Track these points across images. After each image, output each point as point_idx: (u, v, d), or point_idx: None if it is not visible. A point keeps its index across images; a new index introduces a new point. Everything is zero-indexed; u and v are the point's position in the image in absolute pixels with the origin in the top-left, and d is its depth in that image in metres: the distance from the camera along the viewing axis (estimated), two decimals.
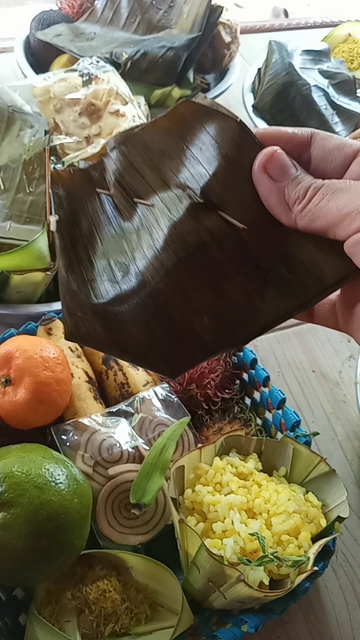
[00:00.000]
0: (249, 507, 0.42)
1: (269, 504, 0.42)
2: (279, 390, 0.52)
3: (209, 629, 0.42)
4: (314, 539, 0.43)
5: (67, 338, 0.28)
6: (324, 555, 0.43)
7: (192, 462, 0.46)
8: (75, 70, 0.75)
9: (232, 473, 0.45)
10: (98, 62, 0.75)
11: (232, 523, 0.40)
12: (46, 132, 0.67)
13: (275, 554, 0.39)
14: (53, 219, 0.30)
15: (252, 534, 0.39)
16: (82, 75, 0.74)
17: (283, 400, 0.52)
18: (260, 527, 0.40)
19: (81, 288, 0.29)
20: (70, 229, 0.30)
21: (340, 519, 0.43)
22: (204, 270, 0.27)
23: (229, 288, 0.27)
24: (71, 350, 0.55)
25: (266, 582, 0.39)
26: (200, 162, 0.28)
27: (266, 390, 0.54)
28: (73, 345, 0.55)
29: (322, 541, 0.41)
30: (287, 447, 0.47)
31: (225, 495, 0.43)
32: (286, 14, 2.04)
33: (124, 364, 0.55)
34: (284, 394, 0.52)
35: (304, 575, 0.39)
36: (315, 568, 0.40)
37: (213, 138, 0.28)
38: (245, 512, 0.42)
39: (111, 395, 0.55)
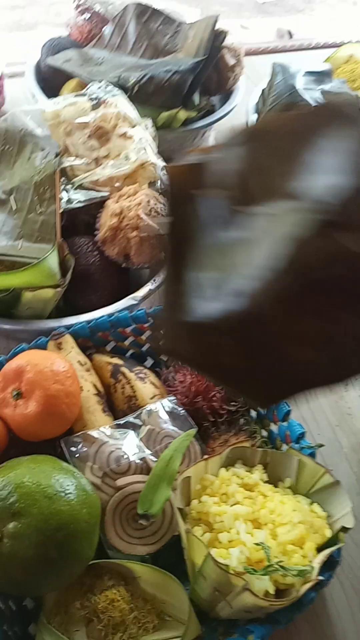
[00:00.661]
0: (254, 518, 0.43)
1: (274, 515, 0.43)
2: (285, 402, 0.53)
3: (216, 639, 0.43)
4: (319, 549, 0.43)
5: (157, 351, 0.26)
6: (329, 566, 0.44)
7: (198, 473, 0.47)
8: (84, 94, 0.78)
9: (237, 484, 0.46)
10: (107, 86, 0.78)
11: (238, 533, 0.41)
12: (57, 155, 0.69)
13: (280, 564, 0.40)
14: (166, 221, 0.26)
15: (257, 544, 0.40)
16: (91, 100, 0.77)
17: (288, 412, 0.52)
18: (265, 537, 0.41)
19: (176, 302, 0.26)
20: (177, 234, 0.26)
21: (344, 529, 0.44)
22: (325, 299, 0.23)
23: (347, 320, 0.24)
24: (80, 364, 0.56)
25: (271, 591, 0.40)
26: (333, 172, 0.23)
27: None
28: (82, 359, 0.57)
29: (327, 551, 0.42)
30: (292, 458, 0.48)
31: (231, 506, 0.44)
32: (290, 35, 2.09)
33: (132, 377, 0.57)
34: (289, 406, 0.52)
35: (309, 585, 0.40)
36: (320, 578, 0.41)
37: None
38: (250, 523, 0.43)
39: (119, 408, 0.57)
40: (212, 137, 1.00)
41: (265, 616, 0.42)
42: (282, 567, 0.39)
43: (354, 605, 0.51)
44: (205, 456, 0.48)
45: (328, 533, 0.43)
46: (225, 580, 0.39)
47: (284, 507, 0.43)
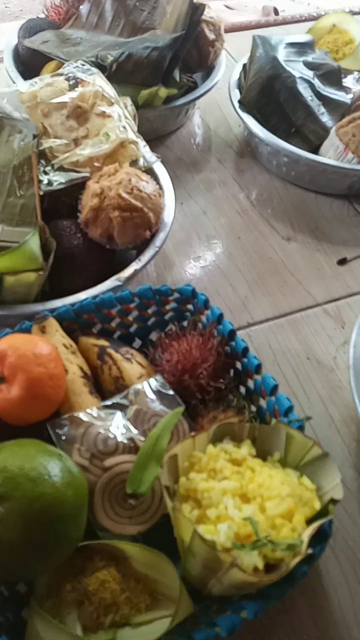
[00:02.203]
0: (242, 493, 0.43)
1: (262, 489, 0.42)
2: (271, 377, 0.52)
3: (209, 617, 0.43)
4: (310, 522, 0.43)
5: None
6: (320, 539, 0.43)
7: (185, 450, 0.46)
8: (61, 74, 0.76)
9: (225, 460, 0.45)
10: (83, 65, 0.76)
11: (226, 508, 0.41)
12: (34, 137, 0.68)
13: (268, 538, 0.39)
14: None
15: (245, 519, 0.39)
16: (68, 79, 0.75)
17: (275, 387, 0.52)
18: (253, 511, 0.41)
19: None
20: None
21: (334, 501, 0.43)
22: None
23: None
24: (65, 347, 0.55)
25: (260, 566, 0.39)
26: None
27: (259, 377, 0.54)
28: (67, 341, 0.56)
29: (316, 524, 0.41)
30: (280, 432, 0.47)
31: (219, 482, 0.43)
32: (276, 12, 2.06)
33: (118, 358, 0.56)
34: (276, 381, 0.52)
35: (299, 559, 0.39)
36: (310, 551, 0.40)
37: None
38: (239, 497, 0.42)
39: (107, 389, 0.56)
40: (196, 115, 0.98)
41: (257, 592, 0.42)
42: (270, 541, 0.39)
43: (350, 578, 0.50)
44: (192, 433, 0.47)
45: (317, 505, 0.43)
46: (213, 557, 0.38)
47: (272, 480, 0.43)
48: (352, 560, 0.51)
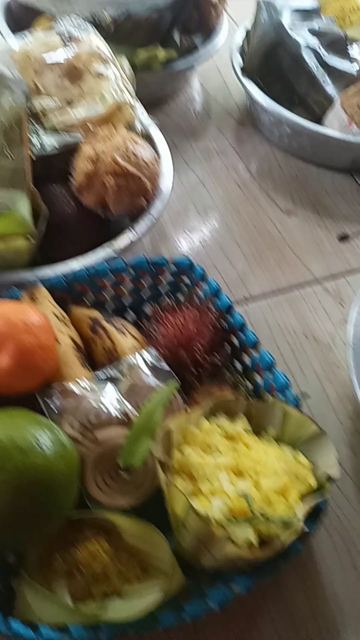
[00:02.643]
0: (237, 468, 0.42)
1: (257, 465, 0.42)
2: (268, 354, 0.51)
3: (200, 590, 0.42)
4: (305, 500, 0.42)
5: None
6: (315, 516, 0.43)
7: (179, 425, 0.45)
8: (54, 31, 0.72)
9: (220, 435, 0.44)
10: (78, 22, 0.72)
11: (220, 483, 0.40)
12: (25, 95, 0.64)
13: (263, 514, 0.38)
14: None
15: (239, 494, 0.39)
16: (62, 37, 0.72)
17: (272, 363, 0.51)
18: (248, 487, 0.40)
19: None
20: None
21: (330, 479, 0.43)
22: None
23: None
24: (56, 317, 0.53)
25: (254, 541, 0.39)
26: None
27: (256, 354, 0.53)
28: (58, 311, 0.54)
29: (312, 500, 0.41)
30: (276, 409, 0.46)
31: (213, 457, 0.42)
32: None
33: (111, 330, 0.54)
34: (273, 357, 0.51)
35: (293, 535, 0.39)
36: (305, 528, 0.40)
37: None
38: (233, 473, 0.42)
39: (99, 361, 0.54)
40: (195, 81, 0.95)
41: (250, 567, 0.41)
42: (264, 516, 0.38)
43: (342, 555, 0.50)
44: (187, 407, 0.46)
45: (313, 482, 0.42)
46: (206, 531, 0.38)
47: (267, 456, 0.42)
48: (345, 537, 0.51)
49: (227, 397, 0.47)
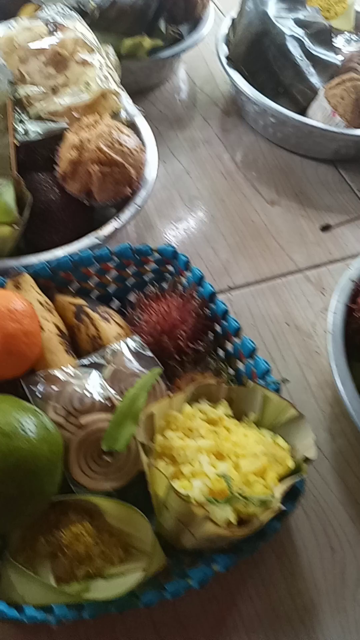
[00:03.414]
0: (217, 450, 0.43)
1: (237, 447, 0.43)
2: (250, 340, 0.52)
3: (181, 570, 0.43)
4: (283, 481, 0.43)
5: None
6: (292, 496, 0.44)
7: (162, 410, 0.46)
8: (40, 18, 0.72)
9: (201, 419, 0.45)
10: (63, 10, 0.72)
11: (201, 465, 0.41)
12: (10, 83, 0.64)
13: (241, 493, 0.40)
14: None
15: (219, 475, 0.40)
16: (47, 24, 0.71)
17: (254, 350, 0.52)
18: (228, 468, 0.41)
19: None
20: None
21: (307, 460, 0.44)
22: None
23: None
24: (41, 305, 0.54)
25: (233, 520, 0.40)
26: None
27: (238, 340, 0.54)
28: (43, 299, 0.55)
29: (289, 481, 0.42)
30: (257, 393, 0.47)
31: (194, 440, 0.43)
32: None
33: (96, 317, 0.55)
34: (254, 344, 0.52)
35: (271, 514, 0.40)
36: (282, 507, 0.41)
37: None
38: (214, 455, 0.43)
39: (84, 349, 0.55)
40: (181, 70, 0.95)
41: (229, 546, 0.43)
42: (243, 496, 0.39)
43: (319, 535, 0.52)
44: (170, 393, 0.47)
45: (291, 464, 0.44)
46: (187, 511, 0.39)
47: (247, 439, 0.43)
48: (321, 518, 0.53)
49: (209, 382, 0.48)
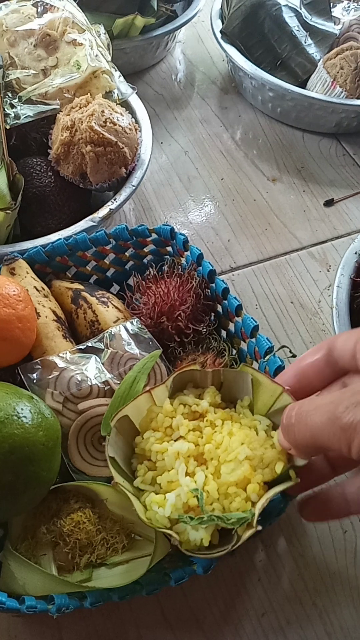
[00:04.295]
0: (199, 453, 0.39)
1: (219, 450, 0.39)
2: (252, 318, 0.50)
3: (185, 556, 0.42)
4: (271, 484, 0.39)
5: None
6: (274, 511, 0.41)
7: (139, 408, 0.41)
8: (29, 1, 0.70)
9: (184, 414, 0.41)
10: None
11: (177, 475, 0.38)
12: (0, 67, 0.63)
13: (213, 515, 0.36)
14: None
15: (192, 490, 0.37)
16: (35, 5, 0.70)
17: (256, 328, 0.50)
18: (205, 479, 0.37)
19: None
20: None
21: (295, 467, 0.38)
22: None
23: None
24: (37, 290, 0.53)
25: (206, 542, 0.36)
26: None
27: (239, 319, 0.52)
28: (39, 284, 0.53)
29: (271, 494, 0.37)
30: (246, 376, 0.41)
31: (174, 441, 0.39)
32: None
33: (93, 301, 0.53)
34: (256, 322, 0.50)
35: (250, 532, 0.36)
36: (259, 527, 0.36)
37: None
38: (195, 459, 0.39)
39: (82, 334, 0.54)
40: (177, 49, 0.93)
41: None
42: (217, 517, 0.36)
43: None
44: (147, 388, 0.42)
45: (279, 469, 0.38)
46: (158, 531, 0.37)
47: (231, 440, 0.39)
48: None
49: (192, 368, 0.42)
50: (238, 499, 0.37)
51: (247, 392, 0.42)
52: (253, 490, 0.37)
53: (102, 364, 0.48)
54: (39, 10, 0.69)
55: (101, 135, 0.58)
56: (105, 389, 0.47)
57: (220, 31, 0.80)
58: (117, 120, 0.60)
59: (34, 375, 0.47)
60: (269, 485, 0.38)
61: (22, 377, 0.47)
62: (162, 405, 0.41)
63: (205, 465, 0.39)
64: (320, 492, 0.39)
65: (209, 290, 0.55)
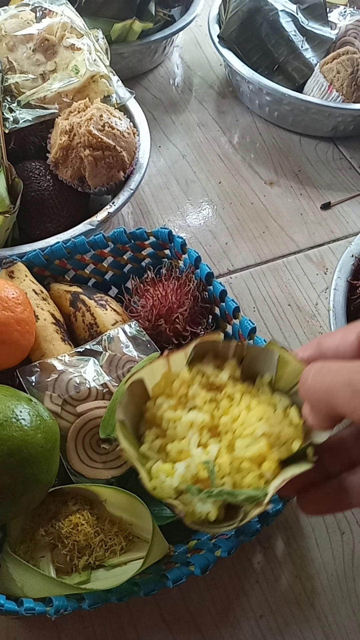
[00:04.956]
0: (213, 425, 0.37)
1: (236, 423, 0.37)
2: (249, 321, 0.51)
3: (184, 557, 0.42)
4: (286, 464, 0.37)
5: None
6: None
7: (154, 374, 0.39)
8: (27, 4, 0.71)
9: (201, 385, 0.39)
10: None
11: (189, 445, 0.36)
12: None
13: (223, 491, 0.35)
14: None
15: (204, 462, 0.35)
16: (34, 10, 0.70)
17: (253, 330, 0.50)
18: (218, 451, 0.36)
19: None
20: None
21: (313, 445, 0.37)
22: None
23: None
24: (35, 293, 0.53)
25: (213, 516, 0.35)
26: None
27: (237, 322, 0.52)
28: (37, 287, 0.54)
29: (288, 475, 0.36)
30: (272, 354, 0.39)
31: (188, 411, 0.37)
32: None
33: (92, 304, 0.54)
34: (254, 323, 0.50)
35: (258, 510, 0.35)
36: (270, 506, 0.36)
37: None
38: (208, 431, 0.37)
39: (81, 336, 0.54)
40: (175, 54, 0.93)
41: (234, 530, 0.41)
42: (227, 492, 0.34)
43: (327, 517, 0.50)
44: (166, 352, 0.40)
45: (295, 446, 0.37)
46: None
47: (249, 414, 0.37)
48: None
49: (215, 338, 0.40)
50: (251, 474, 0.36)
51: (270, 369, 0.40)
52: (268, 469, 0.36)
53: (101, 366, 0.49)
54: (38, 15, 0.70)
55: (99, 140, 0.58)
56: (104, 391, 0.47)
57: (218, 36, 0.81)
58: (116, 124, 0.60)
59: (33, 377, 0.47)
60: (283, 464, 0.37)
61: (21, 379, 0.47)
62: (178, 372, 0.39)
63: (218, 437, 0.37)
64: (319, 484, 0.37)
65: (206, 293, 0.55)
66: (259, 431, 0.37)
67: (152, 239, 0.58)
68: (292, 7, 0.81)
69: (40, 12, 0.70)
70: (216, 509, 0.35)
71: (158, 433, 0.38)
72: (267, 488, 0.35)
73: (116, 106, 0.65)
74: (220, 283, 0.53)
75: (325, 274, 0.67)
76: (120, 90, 0.67)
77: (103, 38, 0.70)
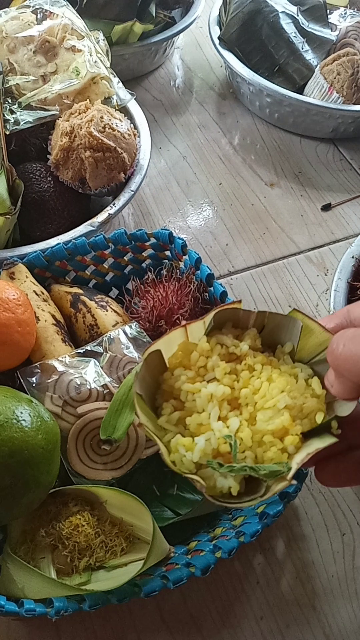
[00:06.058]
0: (233, 397, 0.36)
1: (257, 396, 0.35)
2: None
3: (184, 558, 0.42)
4: (307, 437, 0.36)
5: None
6: (297, 477, 0.42)
7: (172, 343, 0.37)
8: (28, 6, 0.71)
9: (221, 355, 0.37)
10: None
11: (209, 419, 0.35)
12: (0, 73, 0.63)
13: (245, 465, 0.34)
14: None
15: (225, 436, 0.34)
16: (35, 12, 0.70)
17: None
18: (239, 425, 0.35)
19: None
20: None
21: (337, 417, 0.35)
22: None
23: None
24: (36, 294, 0.53)
25: (235, 491, 0.34)
26: None
27: None
28: (38, 289, 0.54)
29: (312, 449, 0.34)
30: (295, 322, 0.37)
31: (207, 382, 0.36)
32: None
33: (93, 305, 0.54)
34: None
35: (282, 485, 0.33)
36: (294, 482, 0.35)
37: None
38: (228, 403, 0.36)
39: (81, 338, 0.54)
40: (175, 56, 0.93)
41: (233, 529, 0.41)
42: (249, 467, 0.33)
43: (328, 519, 0.50)
44: (184, 322, 0.38)
45: (319, 419, 0.35)
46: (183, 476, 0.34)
47: (270, 386, 0.35)
48: (330, 501, 0.51)
49: (235, 306, 0.37)
50: (274, 448, 0.34)
51: (292, 338, 0.38)
52: (292, 443, 0.34)
53: (101, 367, 0.49)
54: (39, 17, 0.70)
55: (100, 141, 0.59)
56: (104, 392, 0.47)
57: (218, 37, 0.81)
58: (116, 125, 0.60)
59: (33, 379, 0.47)
60: (305, 436, 0.35)
61: (22, 380, 0.47)
62: (196, 342, 0.37)
63: (239, 410, 0.36)
64: (339, 456, 0.36)
65: (207, 294, 0.55)
66: (281, 404, 0.35)
67: (152, 240, 0.58)
68: (293, 9, 0.81)
69: (41, 14, 0.70)
70: (237, 484, 0.34)
71: (175, 405, 0.36)
72: (291, 462, 0.34)
73: (117, 108, 0.65)
74: (221, 284, 0.53)
75: (326, 275, 0.67)
76: (120, 91, 0.67)
77: (104, 40, 0.70)
